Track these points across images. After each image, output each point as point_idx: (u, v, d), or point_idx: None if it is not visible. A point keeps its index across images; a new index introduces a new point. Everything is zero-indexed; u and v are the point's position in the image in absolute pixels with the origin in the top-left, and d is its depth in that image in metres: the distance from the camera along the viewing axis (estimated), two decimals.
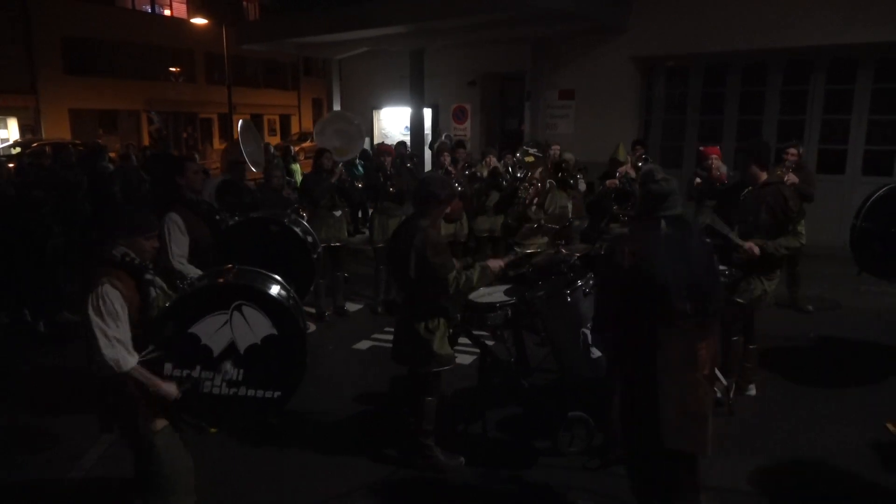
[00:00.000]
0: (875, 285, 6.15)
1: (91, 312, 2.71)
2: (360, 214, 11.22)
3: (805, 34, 9.05)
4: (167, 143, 11.69)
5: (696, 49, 10.07)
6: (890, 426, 4.24)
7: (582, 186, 7.34)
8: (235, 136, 9.40)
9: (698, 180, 6.76)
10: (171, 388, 2.91)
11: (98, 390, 2.88)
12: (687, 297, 2.69)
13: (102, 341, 2.70)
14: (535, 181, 6.17)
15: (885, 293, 6.52)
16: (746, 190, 4.56)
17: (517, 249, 5.46)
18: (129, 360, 2.77)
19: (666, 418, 2.75)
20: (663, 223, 2.82)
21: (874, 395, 4.75)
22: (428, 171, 5.27)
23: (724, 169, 6.48)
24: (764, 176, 4.47)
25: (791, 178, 5.74)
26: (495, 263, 3.86)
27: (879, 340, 5.79)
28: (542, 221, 5.23)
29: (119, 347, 2.73)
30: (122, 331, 2.75)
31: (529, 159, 6.45)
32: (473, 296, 4.15)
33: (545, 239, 5.37)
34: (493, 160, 7.19)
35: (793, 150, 6.16)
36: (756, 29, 9.35)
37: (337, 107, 14.25)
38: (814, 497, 3.63)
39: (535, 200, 6.06)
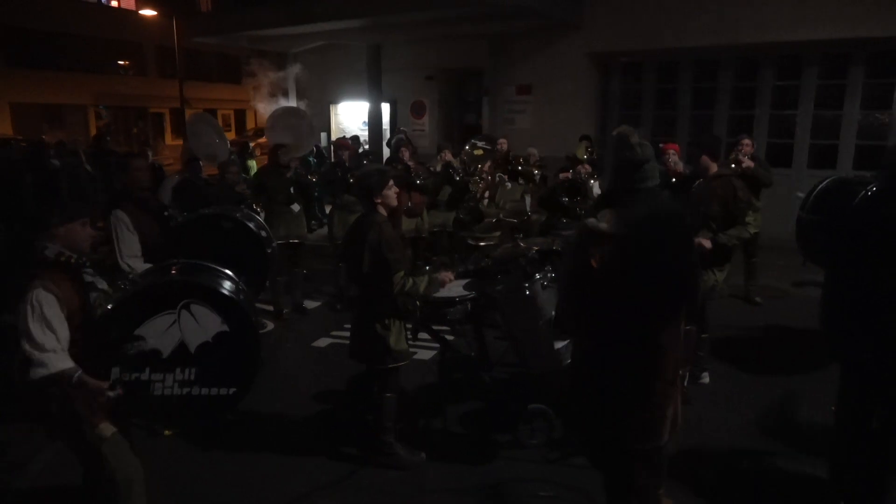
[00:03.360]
0: (819, 274, 6.36)
1: (22, 316, 2.57)
2: (316, 210, 11.08)
3: (753, 32, 9.32)
4: (105, 140, 11.29)
5: (649, 45, 10.27)
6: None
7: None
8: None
9: None
10: (97, 384, 2.70)
11: (38, 397, 2.75)
12: (667, 294, 2.42)
13: (30, 346, 2.56)
14: (484, 175, 6.19)
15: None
16: (698, 182, 4.67)
17: (470, 242, 5.48)
18: (60, 363, 2.62)
19: (626, 420, 2.57)
20: (635, 204, 2.47)
21: (820, 382, 4.89)
22: (364, 167, 5.08)
23: (680, 164, 6.67)
24: (714, 168, 4.59)
25: (748, 162, 6.01)
26: (446, 276, 3.87)
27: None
28: (501, 216, 5.24)
29: (48, 354, 2.59)
30: (50, 338, 2.59)
31: (479, 153, 6.47)
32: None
33: (498, 233, 5.39)
34: (448, 155, 7.17)
35: (747, 141, 6.49)
36: (706, 26, 9.59)
37: (293, 101, 14.02)
38: (767, 483, 3.74)
39: (486, 194, 6.08)
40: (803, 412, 4.45)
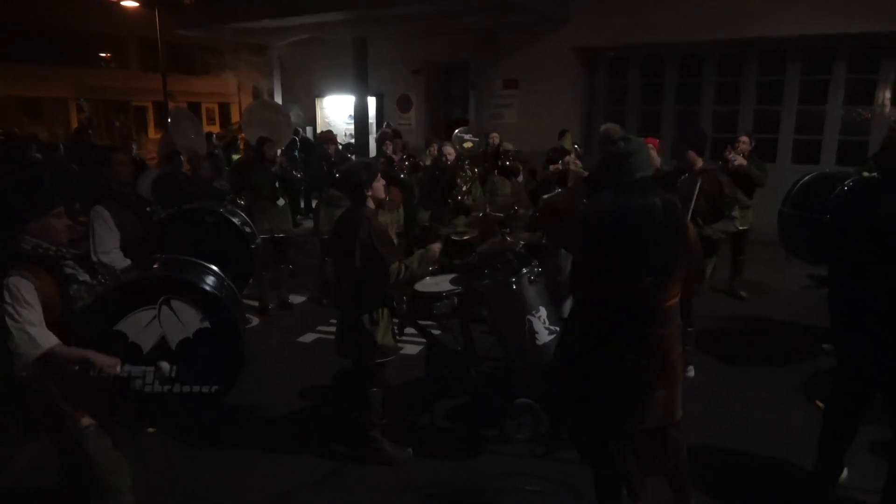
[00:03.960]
0: (802, 268, 6.44)
1: (1, 307, 2.51)
2: (301, 205, 11.01)
3: (738, 27, 9.37)
4: (87, 134, 11.11)
5: (635, 40, 10.30)
6: (819, 404, 4.43)
7: (521, 177, 7.37)
8: None
9: None
10: (109, 359, 2.60)
11: (17, 394, 2.68)
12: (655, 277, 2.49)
13: (16, 329, 2.49)
14: (465, 168, 6.19)
15: (813, 276, 6.83)
16: (683, 176, 4.68)
17: (454, 238, 5.47)
18: (49, 339, 2.55)
19: (614, 400, 2.63)
20: (618, 192, 2.55)
21: (802, 375, 4.96)
22: (350, 162, 5.06)
23: (657, 160, 6.68)
24: (700, 162, 4.60)
25: (740, 160, 6.06)
26: (436, 247, 3.87)
27: (807, 322, 6.05)
28: (488, 210, 5.22)
29: (35, 329, 2.52)
30: (36, 316, 2.52)
31: (468, 145, 6.44)
32: (420, 285, 4.13)
33: (475, 228, 5.40)
34: (437, 149, 7.13)
35: (744, 139, 6.59)
36: (691, 22, 9.62)
37: (278, 95, 13.91)
38: (753, 476, 3.77)
39: (464, 188, 6.07)
40: (788, 405, 4.49)
